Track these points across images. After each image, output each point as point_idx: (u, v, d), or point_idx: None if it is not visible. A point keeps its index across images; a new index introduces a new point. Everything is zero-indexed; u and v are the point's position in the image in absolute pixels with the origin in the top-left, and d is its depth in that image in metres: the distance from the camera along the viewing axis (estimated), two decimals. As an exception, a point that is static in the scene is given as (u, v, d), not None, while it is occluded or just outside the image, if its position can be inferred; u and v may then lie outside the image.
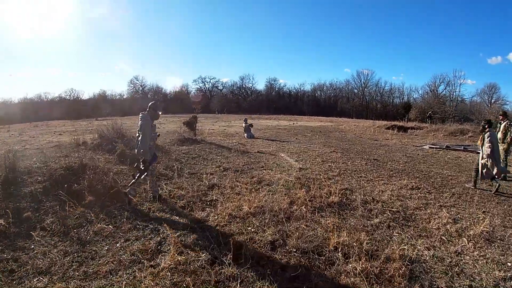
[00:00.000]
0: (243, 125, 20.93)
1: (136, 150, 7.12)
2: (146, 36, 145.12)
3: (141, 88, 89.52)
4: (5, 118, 49.11)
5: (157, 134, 7.65)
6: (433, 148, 17.69)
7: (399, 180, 10.08)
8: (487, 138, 8.98)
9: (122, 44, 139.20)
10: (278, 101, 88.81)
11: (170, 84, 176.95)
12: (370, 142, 19.46)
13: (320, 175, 10.15)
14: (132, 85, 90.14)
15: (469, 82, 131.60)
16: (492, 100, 74.16)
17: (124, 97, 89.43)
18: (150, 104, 7.30)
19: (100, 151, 12.23)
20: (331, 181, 9.53)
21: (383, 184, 9.55)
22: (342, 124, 34.94)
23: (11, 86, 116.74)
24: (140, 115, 7.05)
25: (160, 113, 7.50)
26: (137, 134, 7.05)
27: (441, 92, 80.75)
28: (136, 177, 7.16)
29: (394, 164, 12.67)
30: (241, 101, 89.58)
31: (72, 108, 68.34)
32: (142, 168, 7.17)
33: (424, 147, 18.31)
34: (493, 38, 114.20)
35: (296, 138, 20.12)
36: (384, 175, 10.69)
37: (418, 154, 15.39)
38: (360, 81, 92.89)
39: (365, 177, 10.34)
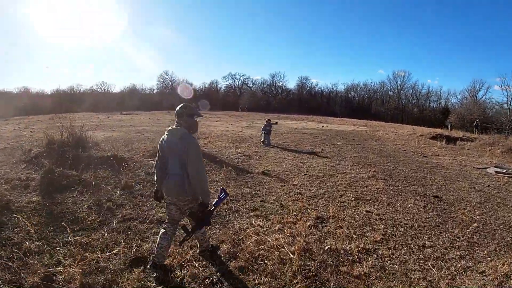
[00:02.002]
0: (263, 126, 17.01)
1: (177, 189, 4.18)
2: (178, 30, 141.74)
3: (170, 83, 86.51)
4: (34, 109, 49.08)
5: None
6: (500, 174, 12.63)
7: (489, 258, 5.39)
8: None
9: (154, 40, 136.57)
10: (309, 101, 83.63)
11: (200, 80, 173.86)
12: (418, 160, 14.52)
13: (351, 240, 5.63)
14: (161, 80, 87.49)
15: (504, 90, 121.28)
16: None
17: (154, 91, 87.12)
18: (180, 108, 4.27)
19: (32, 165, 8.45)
20: (371, 259, 5.00)
21: (468, 271, 4.95)
22: (378, 129, 29.79)
23: (48, 78, 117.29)
24: (167, 133, 4.21)
25: (197, 119, 4.35)
26: (170, 164, 4.23)
27: (481, 98, 73.87)
28: (189, 232, 4.28)
29: (466, 208, 7.93)
30: (271, 99, 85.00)
31: (101, 100, 66.27)
32: (200, 216, 4.15)
33: (488, 170, 13.31)
34: None
35: (322, 149, 15.40)
36: (461, 240, 5.99)
37: (488, 186, 10.43)
38: (396, 82, 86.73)
39: (431, 246, 5.66)
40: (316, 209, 6.99)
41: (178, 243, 4.73)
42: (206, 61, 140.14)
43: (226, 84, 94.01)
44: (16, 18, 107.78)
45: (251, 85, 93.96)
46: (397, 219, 6.80)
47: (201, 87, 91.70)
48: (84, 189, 7.47)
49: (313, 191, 8.33)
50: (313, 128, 27.84)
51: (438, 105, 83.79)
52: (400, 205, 7.69)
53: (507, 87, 43.45)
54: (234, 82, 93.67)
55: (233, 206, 7.09)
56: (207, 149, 13.43)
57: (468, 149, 20.19)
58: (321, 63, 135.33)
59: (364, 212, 7.00)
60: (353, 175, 10.39)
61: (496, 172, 12.86)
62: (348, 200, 7.78)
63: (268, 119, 17.69)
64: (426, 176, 11.18)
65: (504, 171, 12.96)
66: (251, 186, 8.63)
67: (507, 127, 34.43)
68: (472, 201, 8.54)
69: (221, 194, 4.45)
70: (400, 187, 9.33)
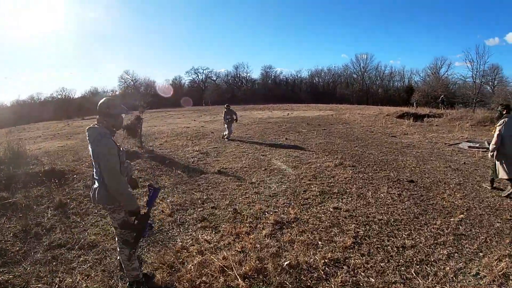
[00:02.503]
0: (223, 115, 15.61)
1: (96, 197, 3.50)
2: (136, 30, 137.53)
3: (132, 83, 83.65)
4: None
5: (128, 162, 3.94)
6: (474, 148, 11.95)
7: (481, 254, 4.51)
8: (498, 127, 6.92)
9: (113, 41, 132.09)
10: (274, 90, 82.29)
11: (162, 77, 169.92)
12: (387, 141, 13.71)
13: (316, 249, 4.60)
14: (123, 80, 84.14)
15: (468, 64, 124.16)
16: (496, 82, 67.77)
17: (117, 92, 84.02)
18: (100, 103, 3.58)
19: None
20: (341, 273, 3.98)
21: (460, 274, 4.04)
22: (344, 112, 29.06)
23: (5, 89, 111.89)
24: (87, 132, 3.48)
25: (127, 113, 3.88)
26: (94, 169, 3.52)
27: (443, 74, 74.70)
28: (132, 243, 3.64)
29: (445, 191, 7.09)
30: (235, 91, 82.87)
31: (63, 107, 63.45)
32: (136, 225, 3.55)
33: (461, 145, 12.66)
34: (491, 19, 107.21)
35: (286, 139, 14.37)
36: (446, 234, 5.09)
37: (464, 163, 9.72)
38: (359, 65, 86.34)
39: (412, 246, 4.70)
40: (275, 212, 5.91)
41: (118, 269, 4.07)
42: (167, 57, 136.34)
43: (190, 79, 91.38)
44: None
45: (215, 78, 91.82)
46: (369, 214, 5.82)
47: (165, 84, 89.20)
48: (13, 213, 6.26)
49: (273, 189, 7.25)
50: (278, 117, 26.81)
51: (402, 84, 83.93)
52: (372, 196, 6.72)
53: (471, 61, 43.57)
54: (198, 76, 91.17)
55: (178, 217, 5.93)
56: (161, 150, 12.18)
57: (436, 125, 19.67)
58: (284, 51, 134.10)
59: (331, 210, 5.97)
60: (318, 164, 9.39)
61: (469, 147, 12.18)
62: (312, 195, 6.73)
63: (227, 105, 16.29)
64: (397, 158, 10.32)
65: (477, 145, 12.29)
66: (203, 190, 7.48)
67: (474, 101, 34.24)
68: (450, 183, 7.72)
69: (150, 191, 3.81)
70: (370, 174, 8.39)
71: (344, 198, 6.58)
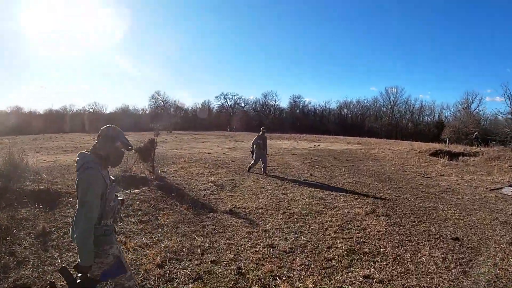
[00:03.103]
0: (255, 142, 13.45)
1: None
2: (169, 52, 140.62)
3: (162, 104, 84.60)
4: (27, 128, 50.04)
5: (119, 198, 3.19)
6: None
7: None
8: None
9: (146, 61, 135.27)
10: (302, 120, 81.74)
11: (191, 100, 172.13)
12: (423, 183, 12.20)
13: None
14: (153, 100, 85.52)
15: (497, 100, 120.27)
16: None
17: (147, 112, 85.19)
18: (104, 127, 3.03)
19: None
20: None
21: None
22: (373, 147, 27.53)
23: (39, 98, 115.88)
24: (77, 156, 2.90)
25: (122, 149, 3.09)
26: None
27: (474, 110, 72.35)
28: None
29: (496, 254, 5.67)
30: (263, 118, 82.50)
31: (93, 121, 64.59)
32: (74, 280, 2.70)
33: (503, 191, 11.08)
34: None
35: (311, 174, 13.07)
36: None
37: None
38: (389, 98, 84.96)
39: None
40: (288, 278, 4.62)
41: None
42: (198, 81, 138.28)
43: (219, 104, 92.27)
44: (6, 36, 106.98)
45: (243, 105, 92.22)
46: (410, 287, 4.48)
47: (193, 107, 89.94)
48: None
49: (290, 241, 5.95)
50: (304, 148, 25.58)
51: (432, 119, 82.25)
52: (412, 260, 5.35)
53: (509, 96, 40.98)
54: (227, 102, 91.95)
55: (169, 270, 4.74)
56: (174, 178, 11.19)
57: (473, 165, 17.99)
58: (313, 81, 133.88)
59: (360, 279, 4.63)
60: (346, 210, 8.06)
61: (516, 193, 10.63)
62: (338, 255, 5.39)
63: (263, 128, 14.02)
64: (436, 206, 8.89)
65: (529, 192, 10.71)
66: (207, 234, 6.29)
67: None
68: (501, 241, 6.30)
69: (116, 265, 2.93)
70: (408, 227, 7.00)
71: (378, 261, 5.23)
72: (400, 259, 5.36)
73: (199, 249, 5.51)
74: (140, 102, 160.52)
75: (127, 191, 8.76)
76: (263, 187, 10.40)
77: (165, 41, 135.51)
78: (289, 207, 8.19)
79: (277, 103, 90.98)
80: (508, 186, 11.69)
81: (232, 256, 5.27)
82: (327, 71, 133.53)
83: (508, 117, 42.42)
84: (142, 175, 10.51)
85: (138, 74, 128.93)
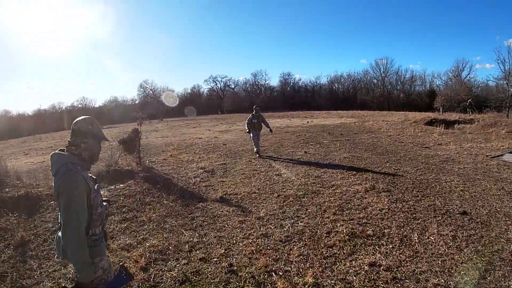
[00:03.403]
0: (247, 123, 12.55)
1: (61, 248, 2.42)
2: (155, 39, 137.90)
3: (151, 92, 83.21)
4: (17, 131, 49.70)
5: (104, 203, 2.67)
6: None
7: None
8: None
9: (132, 51, 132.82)
10: (293, 97, 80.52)
11: (181, 85, 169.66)
12: (422, 153, 11.71)
13: None
14: (142, 89, 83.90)
15: (487, 66, 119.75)
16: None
17: (136, 102, 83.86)
18: (74, 123, 2.57)
19: None
20: None
21: None
22: (367, 119, 26.99)
23: (28, 99, 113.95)
24: (51, 159, 2.49)
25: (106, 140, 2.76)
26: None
27: (465, 78, 71.90)
28: None
29: (510, 228, 5.19)
30: (254, 98, 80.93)
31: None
32: None
33: (505, 158, 10.66)
34: (509, 19, 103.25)
35: (306, 152, 12.53)
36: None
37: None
38: (379, 70, 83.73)
39: None
40: (285, 273, 4.10)
41: None
42: (186, 66, 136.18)
43: (209, 88, 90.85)
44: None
45: (233, 86, 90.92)
46: (421, 274, 3.98)
47: (184, 92, 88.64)
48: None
49: (286, 228, 5.42)
50: (297, 125, 24.99)
51: (424, 88, 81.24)
52: (419, 240, 4.85)
53: (503, 61, 40.11)
54: (216, 84, 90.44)
55: (154, 273, 4.22)
56: (162, 168, 10.64)
57: (470, 133, 17.59)
58: (302, 57, 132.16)
59: (366, 268, 4.12)
60: (344, 188, 7.54)
61: (520, 160, 10.20)
62: (339, 241, 4.87)
63: (256, 107, 12.87)
64: (438, 177, 8.40)
65: (532, 159, 10.28)
66: (196, 227, 5.75)
67: (508, 104, 31.02)
68: (510, 214, 5.80)
69: (120, 274, 2.66)
70: (411, 203, 6.50)
71: (383, 245, 4.72)
72: (407, 240, 4.87)
73: (187, 246, 4.98)
74: (129, 92, 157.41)
75: (112, 187, 8.22)
76: (256, 169, 9.87)
77: (150, 29, 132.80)
78: (284, 189, 7.66)
79: (267, 82, 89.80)
80: (509, 152, 11.26)
81: (223, 251, 4.74)
82: (316, 46, 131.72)
83: (500, 82, 41.83)
84: (128, 168, 9.91)
85: (125, 65, 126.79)
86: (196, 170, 10.09)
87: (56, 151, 2.49)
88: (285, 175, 8.95)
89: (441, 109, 33.68)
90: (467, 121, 22.71)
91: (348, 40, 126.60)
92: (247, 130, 12.48)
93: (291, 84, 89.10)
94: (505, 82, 39.60)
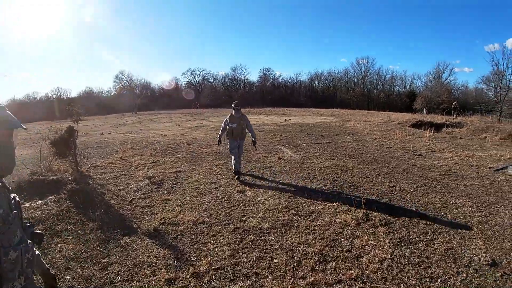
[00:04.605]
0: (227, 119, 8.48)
1: None
2: (133, 29, 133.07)
3: (127, 84, 79.78)
4: None
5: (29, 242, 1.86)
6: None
7: None
8: None
9: (110, 42, 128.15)
10: (273, 93, 78.34)
11: (159, 78, 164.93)
12: (416, 163, 9.79)
13: None
14: (118, 81, 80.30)
15: (466, 70, 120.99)
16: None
17: (112, 94, 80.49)
18: None
19: None
20: None
21: None
22: (348, 119, 25.12)
23: (2, 88, 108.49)
24: None
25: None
26: None
27: (445, 80, 72.47)
28: None
29: None
30: (233, 93, 78.27)
31: (58, 107, 60.15)
32: None
33: (509, 171, 9.08)
34: (490, 25, 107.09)
35: (279, 158, 10.36)
36: None
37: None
38: (360, 69, 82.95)
39: None
40: None
41: None
42: (165, 59, 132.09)
43: (187, 81, 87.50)
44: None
45: (212, 80, 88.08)
46: None
47: (161, 85, 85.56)
48: None
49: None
50: (274, 123, 22.90)
51: (404, 89, 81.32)
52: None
53: (497, 62, 38.57)
54: (194, 78, 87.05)
55: None
56: (103, 175, 8.53)
57: (461, 138, 16.11)
58: (283, 54, 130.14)
59: None
60: (327, 218, 5.46)
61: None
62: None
63: (235, 103, 8.64)
64: (445, 199, 6.53)
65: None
66: (104, 285, 3.63)
67: (499, 108, 29.38)
68: None
69: None
70: (421, 246, 4.51)
71: None
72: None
73: None
74: (105, 84, 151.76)
75: (27, 204, 5.98)
76: (214, 182, 7.71)
77: (128, 21, 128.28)
78: (244, 217, 5.53)
79: (246, 77, 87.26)
80: (512, 165, 9.65)
81: None
82: (297, 43, 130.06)
83: (492, 85, 40.50)
84: (54, 177, 7.63)
85: (103, 57, 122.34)
86: (141, 180, 7.89)
87: None
88: (249, 193, 6.82)
89: (424, 111, 32.24)
90: (455, 124, 21.51)
91: (329, 39, 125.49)
92: (220, 141, 8.73)
93: (271, 80, 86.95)
94: (497, 86, 38.23)
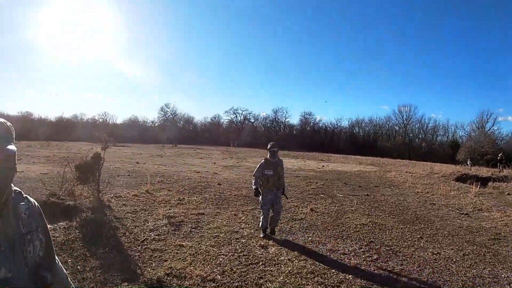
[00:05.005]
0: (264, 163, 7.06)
1: None
2: (185, 66, 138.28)
3: (171, 117, 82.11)
4: (34, 134, 48.50)
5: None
6: None
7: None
8: None
9: (160, 74, 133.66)
10: (312, 137, 77.61)
11: (201, 114, 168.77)
12: (462, 225, 8.68)
13: None
14: (162, 113, 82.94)
15: (510, 119, 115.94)
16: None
17: (156, 124, 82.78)
18: None
19: None
20: None
21: None
22: (389, 169, 23.91)
23: (51, 106, 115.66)
24: None
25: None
26: None
27: (489, 129, 68.45)
28: None
29: None
30: (272, 135, 78.35)
31: (99, 131, 62.82)
32: None
33: None
34: None
35: (312, 209, 9.50)
36: None
37: None
38: (402, 117, 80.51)
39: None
40: None
41: None
42: (209, 96, 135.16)
43: (228, 119, 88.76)
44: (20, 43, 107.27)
45: (253, 121, 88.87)
46: None
47: (203, 121, 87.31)
48: None
49: None
50: (311, 168, 22.12)
51: (446, 139, 77.63)
52: None
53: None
54: (236, 117, 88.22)
55: None
56: (124, 207, 8.23)
57: (508, 194, 14.67)
58: (324, 99, 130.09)
59: None
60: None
61: None
62: None
63: (272, 145, 7.12)
64: (496, 272, 5.62)
65: None
66: None
67: None
68: None
69: None
70: None
71: None
72: None
73: None
74: (151, 114, 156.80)
75: None
76: (236, 231, 7.02)
77: (176, 55, 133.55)
78: (261, 280, 4.75)
79: (287, 119, 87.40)
80: None
81: None
82: (339, 89, 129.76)
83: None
84: (71, 202, 7.32)
85: (150, 87, 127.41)
86: (160, 219, 7.41)
87: None
88: (272, 250, 6.07)
89: (469, 163, 30.34)
90: (501, 178, 19.97)
91: (371, 85, 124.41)
92: (254, 187, 7.01)
93: (311, 124, 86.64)
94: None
